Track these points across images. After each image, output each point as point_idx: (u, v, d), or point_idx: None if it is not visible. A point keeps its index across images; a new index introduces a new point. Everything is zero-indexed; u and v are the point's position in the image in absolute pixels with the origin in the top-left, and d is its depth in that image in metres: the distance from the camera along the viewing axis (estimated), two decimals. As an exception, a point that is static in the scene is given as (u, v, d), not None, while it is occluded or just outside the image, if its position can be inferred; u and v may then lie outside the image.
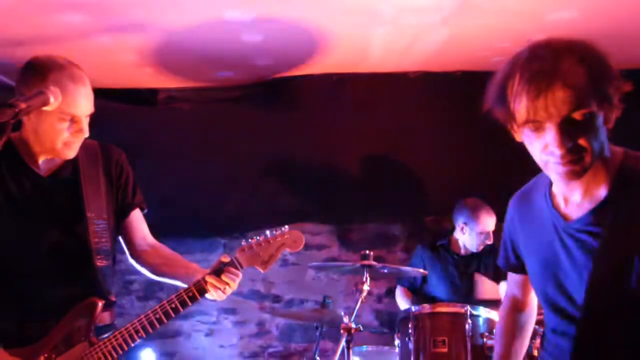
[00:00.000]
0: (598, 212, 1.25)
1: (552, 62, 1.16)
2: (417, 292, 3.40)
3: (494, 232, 3.25)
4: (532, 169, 1.39)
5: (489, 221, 3.23)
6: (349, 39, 3.17)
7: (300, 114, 3.73)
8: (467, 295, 3.22)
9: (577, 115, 1.15)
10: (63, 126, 1.63)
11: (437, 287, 3.32)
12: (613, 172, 1.25)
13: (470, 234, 3.25)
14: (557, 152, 1.17)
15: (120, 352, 1.67)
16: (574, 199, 1.30)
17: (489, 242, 3.23)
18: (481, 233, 3.22)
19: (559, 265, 1.33)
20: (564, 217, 1.31)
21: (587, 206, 1.27)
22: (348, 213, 4.01)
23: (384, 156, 3.80)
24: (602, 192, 1.26)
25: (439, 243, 3.41)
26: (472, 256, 3.33)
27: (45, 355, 1.65)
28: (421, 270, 2.83)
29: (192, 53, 3.27)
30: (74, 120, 1.64)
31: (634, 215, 1.20)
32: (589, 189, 1.27)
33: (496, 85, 1.25)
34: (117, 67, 3.40)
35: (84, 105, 1.66)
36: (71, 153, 1.71)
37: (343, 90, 3.72)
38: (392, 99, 3.72)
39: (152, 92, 3.83)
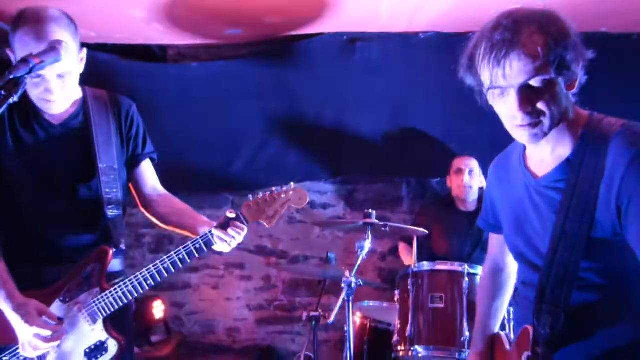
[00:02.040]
0: (563, 169, 1.33)
1: (513, 31, 1.23)
2: (420, 248, 3.48)
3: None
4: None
5: (459, 160, 3.40)
6: (358, -3, 3.13)
7: (309, 72, 3.71)
8: (471, 252, 3.29)
9: (535, 82, 1.24)
10: (32, 82, 1.62)
11: (440, 244, 3.39)
12: (578, 133, 1.33)
13: (451, 180, 3.40)
14: (517, 116, 1.26)
15: (131, 297, 1.74)
16: (543, 158, 1.38)
17: (467, 181, 3.33)
18: (456, 172, 3.36)
19: (527, 220, 1.42)
20: (534, 176, 1.40)
21: (554, 164, 1.35)
22: (354, 173, 4.06)
23: (392, 117, 3.80)
24: (567, 151, 1.34)
25: (442, 202, 3.48)
26: (475, 213, 3.39)
27: (61, 297, 1.74)
28: (422, 229, 2.89)
29: (200, 10, 3.26)
30: (43, 78, 1.63)
31: (595, 172, 1.27)
32: (556, 149, 1.35)
33: (466, 54, 1.33)
34: (127, 22, 3.39)
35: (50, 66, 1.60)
36: (50, 108, 1.72)
37: (353, 49, 3.70)
38: (402, 59, 3.69)
39: (162, 49, 3.83)
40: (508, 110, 1.29)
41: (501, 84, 1.25)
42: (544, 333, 1.32)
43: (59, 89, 1.67)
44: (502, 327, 1.76)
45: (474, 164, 3.38)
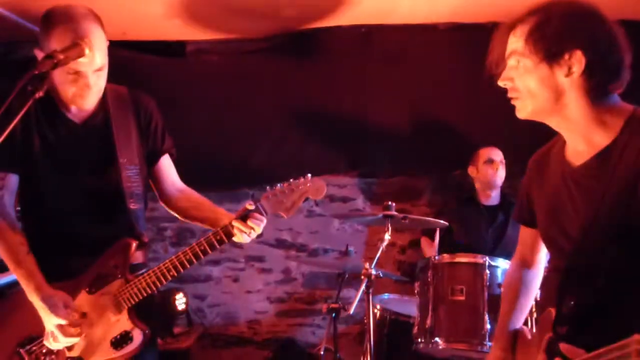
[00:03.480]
0: (601, 158, 1.33)
1: (521, 15, 1.36)
2: (442, 242, 3.45)
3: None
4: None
5: (487, 150, 3.33)
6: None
7: (328, 65, 3.72)
8: (494, 247, 3.26)
9: (511, 60, 1.36)
10: (69, 79, 1.65)
11: (462, 238, 3.36)
12: (620, 124, 1.33)
13: (478, 171, 3.35)
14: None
15: (154, 288, 1.77)
16: (579, 148, 1.39)
17: (498, 171, 3.29)
18: (486, 163, 3.31)
19: (562, 207, 1.42)
20: (571, 165, 1.41)
21: (592, 153, 1.36)
22: (373, 166, 4.05)
23: (412, 109, 3.77)
24: (605, 141, 1.34)
25: (465, 197, 3.45)
26: (497, 207, 3.36)
27: (87, 289, 1.79)
28: (442, 222, 2.88)
29: (218, 4, 3.28)
30: (79, 75, 1.65)
31: (635, 162, 1.27)
32: (591, 139, 1.36)
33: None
34: (145, 18, 3.43)
35: (89, 60, 1.63)
36: (85, 103, 1.74)
37: (371, 41, 3.69)
38: (421, 51, 3.67)
39: (181, 44, 3.87)
40: None
41: (505, 57, 1.39)
42: (567, 313, 1.32)
43: (95, 84, 1.70)
44: (525, 323, 1.74)
45: (499, 154, 3.35)
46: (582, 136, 1.36)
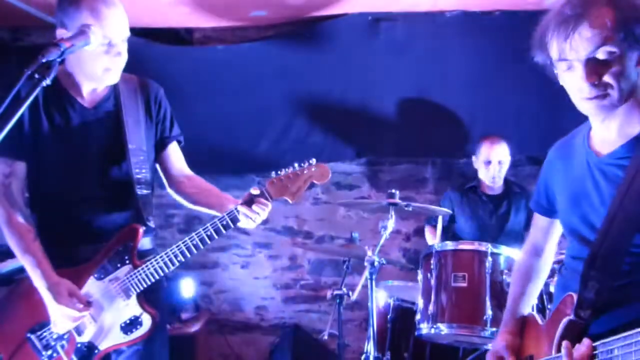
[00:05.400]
0: (630, 147, 1.33)
1: (582, 6, 1.27)
2: (446, 231, 3.46)
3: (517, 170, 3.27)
4: (564, 112, 1.45)
5: (489, 149, 3.25)
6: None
7: (333, 53, 3.71)
8: (497, 236, 3.27)
9: (601, 54, 1.26)
10: (101, 50, 1.67)
11: (465, 227, 3.39)
12: None
13: (479, 166, 3.31)
14: (584, 87, 1.28)
15: (162, 273, 1.80)
16: (608, 136, 1.38)
17: (495, 172, 3.24)
18: (484, 162, 3.26)
19: (586, 196, 1.41)
20: (597, 154, 1.40)
21: (620, 142, 1.35)
22: (380, 154, 4.06)
23: (418, 97, 3.77)
24: (635, 129, 1.33)
25: (468, 185, 3.45)
26: (501, 196, 3.37)
27: (95, 275, 1.82)
28: (445, 209, 2.89)
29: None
30: (111, 44, 1.68)
31: None
32: (623, 126, 1.35)
33: (538, 32, 1.36)
34: (153, 6, 3.44)
35: (120, 28, 1.69)
36: (113, 78, 1.77)
37: (377, 29, 3.68)
38: (428, 39, 3.66)
39: (188, 32, 3.88)
40: (575, 83, 1.30)
41: (568, 56, 1.28)
42: (590, 297, 1.32)
43: (125, 53, 1.73)
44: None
45: (502, 152, 3.24)
46: (618, 125, 1.35)
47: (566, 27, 1.27)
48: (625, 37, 1.24)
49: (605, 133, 1.38)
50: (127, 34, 1.74)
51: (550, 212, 1.60)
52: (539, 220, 1.69)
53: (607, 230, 1.33)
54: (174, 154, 1.99)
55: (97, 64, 1.71)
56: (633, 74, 1.28)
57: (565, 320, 1.35)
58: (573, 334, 1.32)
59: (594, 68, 1.26)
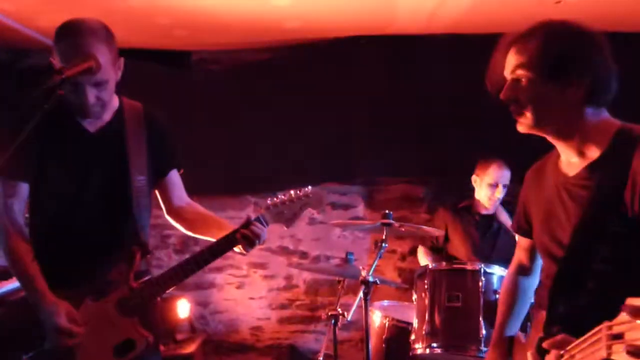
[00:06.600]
0: (591, 170, 1.40)
1: (522, 33, 1.41)
2: (439, 251, 3.49)
3: (513, 193, 3.30)
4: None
5: (497, 172, 3.28)
6: (376, 1, 3.18)
7: (329, 75, 3.78)
8: (489, 255, 3.30)
9: (516, 75, 1.40)
10: (69, 89, 1.64)
11: (458, 247, 3.39)
12: (609, 137, 1.40)
13: (480, 186, 3.33)
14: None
15: (157, 296, 1.81)
16: (572, 160, 1.45)
17: (499, 195, 3.27)
18: (490, 185, 3.28)
19: (554, 216, 1.48)
20: (564, 175, 1.47)
21: (583, 165, 1.42)
22: (374, 174, 4.10)
23: (411, 118, 3.83)
24: (595, 153, 1.40)
25: (461, 205, 3.48)
26: (492, 216, 3.40)
27: (91, 297, 1.81)
28: (438, 230, 2.91)
29: (222, 16, 3.35)
30: (77, 86, 1.66)
31: (622, 173, 1.33)
32: (582, 151, 1.43)
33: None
34: (152, 28, 3.50)
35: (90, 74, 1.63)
36: (85, 114, 1.76)
37: (370, 52, 3.75)
38: (422, 61, 3.73)
39: (186, 55, 3.94)
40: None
41: (504, 72, 1.43)
42: (558, 312, 1.38)
43: (93, 97, 1.72)
44: (522, 329, 1.78)
45: (508, 176, 3.29)
46: (576, 149, 1.43)
47: (507, 47, 1.42)
48: (541, 68, 1.36)
49: (569, 156, 1.45)
50: (98, 79, 1.67)
51: (530, 233, 1.65)
52: (521, 241, 1.74)
53: (572, 246, 1.40)
54: (174, 181, 2.01)
55: (71, 100, 1.71)
56: (554, 101, 1.37)
57: (536, 338, 1.41)
58: (544, 349, 1.35)
59: (513, 86, 1.40)
